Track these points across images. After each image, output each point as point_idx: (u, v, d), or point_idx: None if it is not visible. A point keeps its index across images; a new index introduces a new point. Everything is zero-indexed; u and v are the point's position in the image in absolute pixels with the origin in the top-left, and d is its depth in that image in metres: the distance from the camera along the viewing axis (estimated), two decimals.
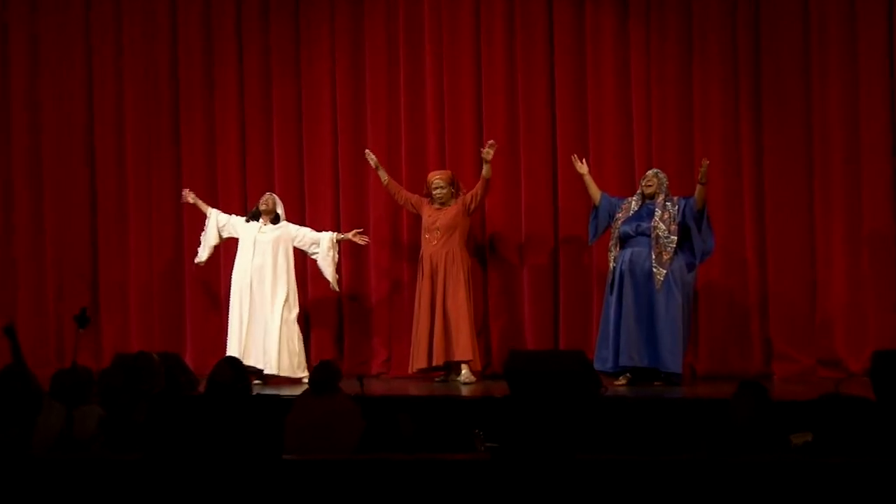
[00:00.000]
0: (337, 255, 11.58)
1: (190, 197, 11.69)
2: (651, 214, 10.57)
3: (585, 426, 8.38)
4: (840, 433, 6.43)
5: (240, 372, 7.34)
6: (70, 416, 7.42)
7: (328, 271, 11.50)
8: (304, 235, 11.57)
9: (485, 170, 11.03)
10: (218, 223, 11.61)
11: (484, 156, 10.96)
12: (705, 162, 10.42)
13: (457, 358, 11.03)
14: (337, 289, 11.61)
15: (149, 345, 11.79)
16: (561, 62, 11.80)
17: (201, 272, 12.16)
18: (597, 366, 10.41)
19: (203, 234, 11.67)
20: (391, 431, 8.31)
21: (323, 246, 11.51)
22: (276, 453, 5.93)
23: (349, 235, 11.57)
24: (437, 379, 11.17)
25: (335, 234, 11.63)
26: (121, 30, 12.49)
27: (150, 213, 12.54)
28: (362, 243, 11.62)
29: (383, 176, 11.42)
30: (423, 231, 11.30)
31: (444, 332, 11.04)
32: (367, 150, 11.45)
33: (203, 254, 11.66)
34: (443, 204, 11.25)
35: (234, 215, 11.70)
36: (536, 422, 8.37)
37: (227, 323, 11.50)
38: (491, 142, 10.97)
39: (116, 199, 12.59)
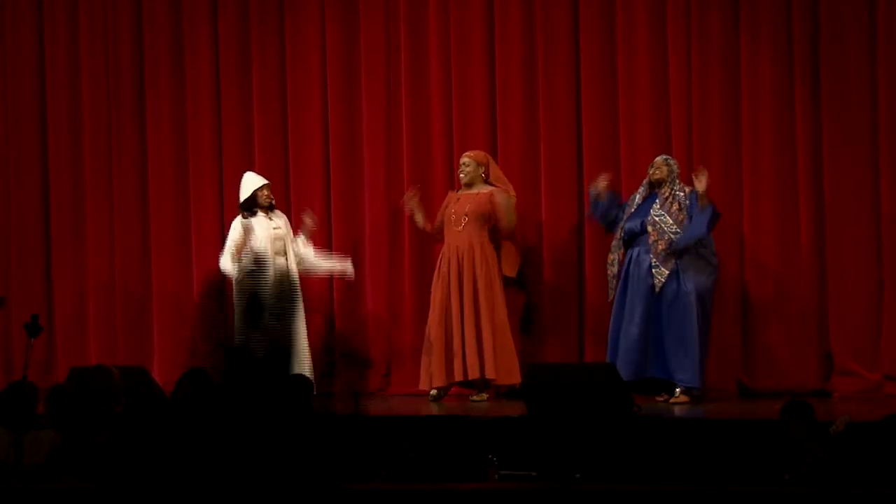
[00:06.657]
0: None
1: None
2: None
3: (616, 451, 8.39)
4: None
5: (205, 386, 7.26)
6: (19, 441, 7.35)
7: (325, 265, 11.28)
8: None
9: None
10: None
11: None
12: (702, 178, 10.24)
13: (496, 379, 10.81)
14: (351, 271, 11.31)
15: (111, 357, 11.68)
16: (587, 31, 11.56)
17: (170, 275, 12.13)
18: None
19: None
20: (393, 457, 8.19)
21: (301, 248, 11.25)
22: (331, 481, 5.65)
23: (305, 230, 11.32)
24: (473, 398, 10.98)
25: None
26: None
27: (112, 206, 12.38)
28: (311, 221, 11.27)
29: (420, 220, 11.16)
30: (444, 227, 11.08)
31: (477, 342, 10.74)
32: (408, 195, 11.23)
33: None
34: (468, 187, 10.96)
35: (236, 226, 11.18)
36: (558, 446, 8.39)
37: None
38: None
39: (72, 189, 12.43)
